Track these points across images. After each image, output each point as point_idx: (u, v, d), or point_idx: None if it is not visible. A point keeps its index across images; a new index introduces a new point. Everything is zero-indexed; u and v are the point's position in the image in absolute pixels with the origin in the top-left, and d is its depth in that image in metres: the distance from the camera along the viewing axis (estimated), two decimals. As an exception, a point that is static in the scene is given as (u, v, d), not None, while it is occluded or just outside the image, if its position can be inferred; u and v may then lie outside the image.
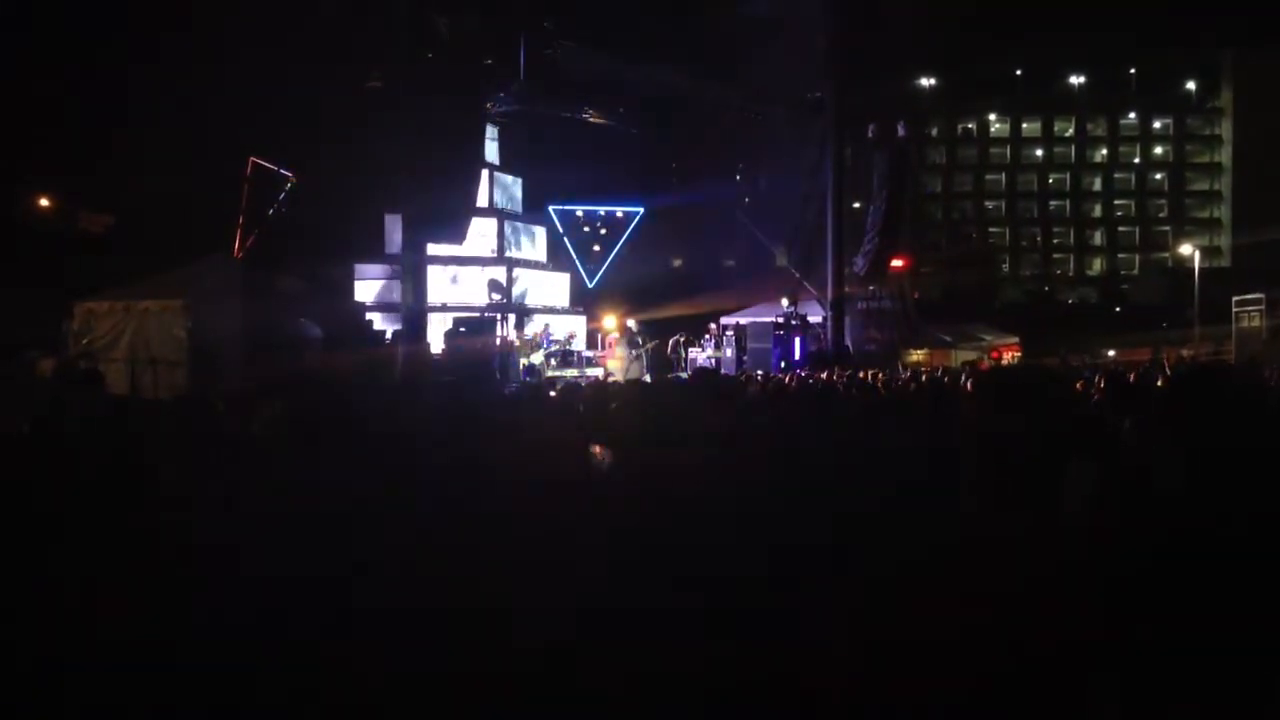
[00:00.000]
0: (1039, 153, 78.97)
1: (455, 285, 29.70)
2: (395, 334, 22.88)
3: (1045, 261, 78.07)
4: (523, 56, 28.49)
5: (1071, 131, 78.65)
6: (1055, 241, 79.01)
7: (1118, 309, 60.23)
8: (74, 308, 19.74)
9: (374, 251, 29.16)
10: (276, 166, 25.77)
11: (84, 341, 19.08)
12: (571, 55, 29.99)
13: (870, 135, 33.48)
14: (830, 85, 31.40)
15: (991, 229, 78.22)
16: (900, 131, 59.12)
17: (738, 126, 34.90)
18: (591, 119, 33.27)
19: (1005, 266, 75.90)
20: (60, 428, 6.25)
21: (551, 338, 27.80)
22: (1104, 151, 78.66)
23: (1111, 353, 36.81)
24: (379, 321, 25.00)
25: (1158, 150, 78.26)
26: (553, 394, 10.53)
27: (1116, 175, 78.50)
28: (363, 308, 25.86)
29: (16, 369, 19.05)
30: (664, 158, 35.92)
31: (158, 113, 26.31)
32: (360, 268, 29.23)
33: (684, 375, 25.32)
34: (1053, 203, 79.25)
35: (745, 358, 28.81)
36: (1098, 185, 79.21)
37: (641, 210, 35.41)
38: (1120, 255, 77.90)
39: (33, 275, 23.90)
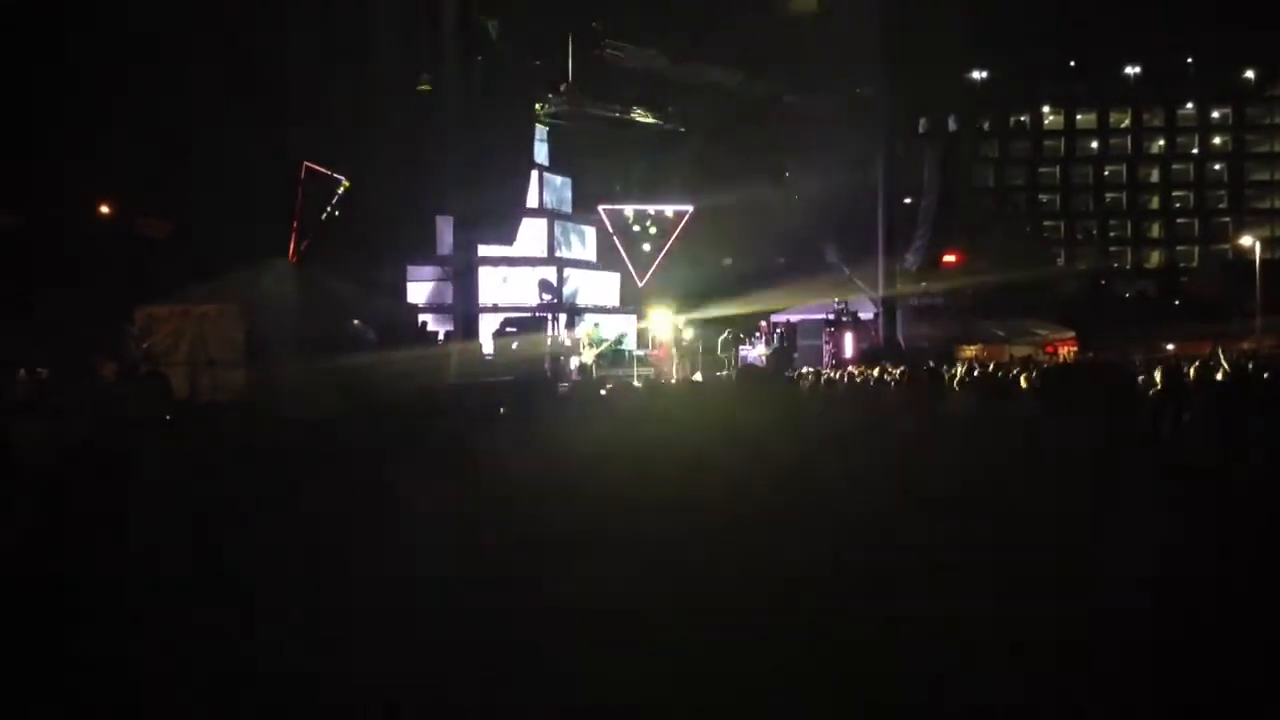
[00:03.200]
0: (1094, 145, 77.76)
1: (506, 285, 29.88)
2: (447, 334, 23.09)
3: (1102, 255, 76.88)
4: (571, 57, 28.61)
5: (1128, 123, 77.40)
6: (1112, 234, 77.80)
7: (1176, 302, 59.17)
8: (135, 312, 20.13)
9: (426, 253, 29.43)
10: (330, 171, 26.07)
11: (145, 345, 19.45)
12: (620, 55, 30.08)
13: (921, 130, 33.08)
14: (881, 81, 31.21)
15: (1046, 222, 77.11)
16: (951, 126, 58.62)
17: (787, 123, 34.77)
18: (640, 118, 33.32)
19: (1061, 260, 74.84)
20: (124, 428, 6.42)
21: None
22: (1161, 142, 77.29)
23: (1170, 346, 36.21)
24: (432, 323, 25.24)
25: (1216, 140, 76.75)
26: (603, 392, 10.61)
27: (1174, 166, 77.11)
28: (415, 309, 26.11)
29: (81, 373, 19.50)
30: (713, 156, 35.85)
31: (212, 118, 26.72)
32: (413, 269, 29.52)
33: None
34: (1109, 195, 78.03)
35: (796, 355, 28.74)
36: (1155, 177, 77.86)
37: (691, 209, 35.39)
38: (1179, 248, 76.53)
39: (96, 280, 24.41)
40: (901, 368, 19.53)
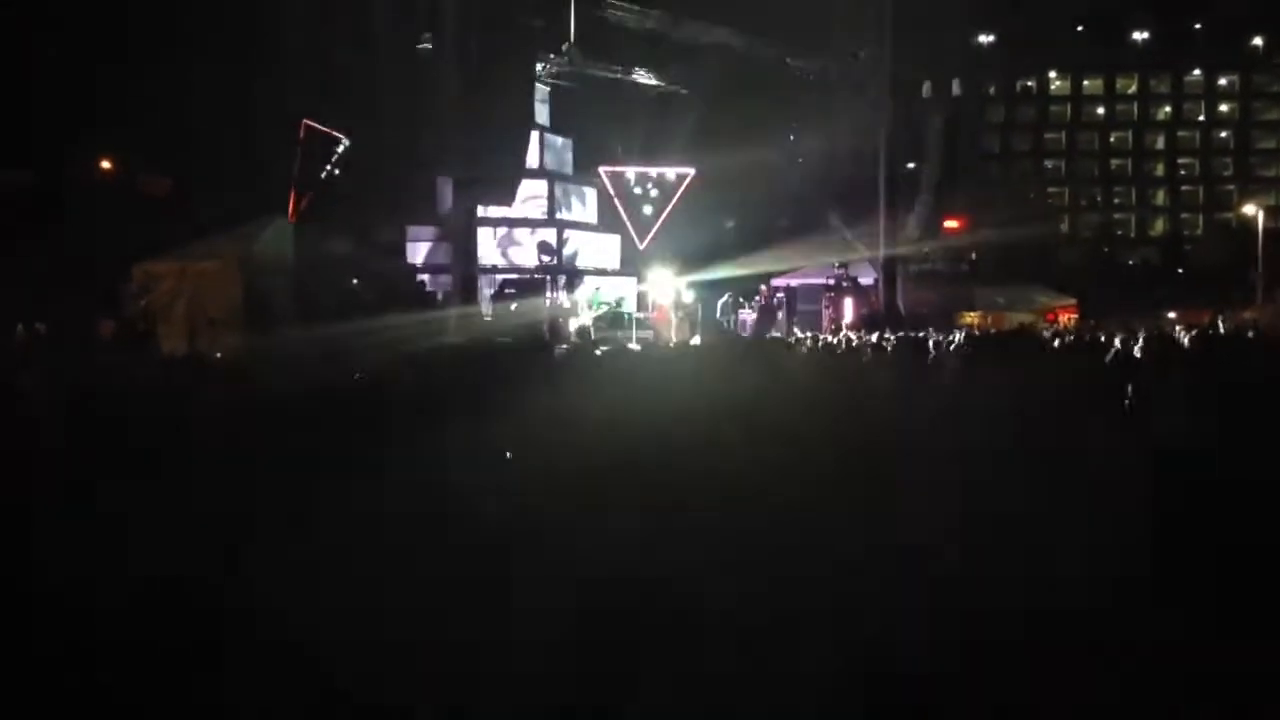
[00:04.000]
0: (1100, 111, 77.33)
1: (506, 247, 29.85)
2: (445, 295, 23.10)
3: (1106, 222, 76.60)
4: (573, 17, 28.40)
5: (1134, 89, 76.89)
6: (1116, 201, 77.52)
7: (1180, 270, 59.04)
8: (134, 269, 20.17)
9: (425, 213, 29.36)
10: (329, 129, 25.99)
11: (143, 303, 19.50)
12: (623, 16, 29.88)
13: (925, 94, 32.90)
14: (884, 43, 30.98)
15: (1051, 188, 76.74)
16: (955, 90, 58.26)
17: (791, 86, 34.57)
18: (642, 80, 33.13)
19: (1065, 227, 74.55)
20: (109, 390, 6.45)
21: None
22: (1168, 109, 76.86)
23: (1172, 315, 36.16)
24: (430, 283, 25.24)
25: (1223, 108, 76.29)
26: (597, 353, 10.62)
27: (1180, 133, 76.69)
28: (414, 269, 26.11)
29: (80, 331, 19.57)
30: (716, 118, 35.65)
31: (213, 77, 26.62)
32: (411, 230, 29.46)
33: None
34: (1114, 161, 77.67)
35: (795, 319, 28.71)
36: (1161, 144, 77.46)
37: (693, 172, 35.22)
38: (1183, 215, 76.25)
39: (95, 237, 24.42)
40: (875, 335, 19.56)
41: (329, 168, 25.39)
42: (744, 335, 27.31)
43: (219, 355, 14.55)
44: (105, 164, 33.18)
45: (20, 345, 17.56)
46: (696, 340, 24.55)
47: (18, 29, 27.11)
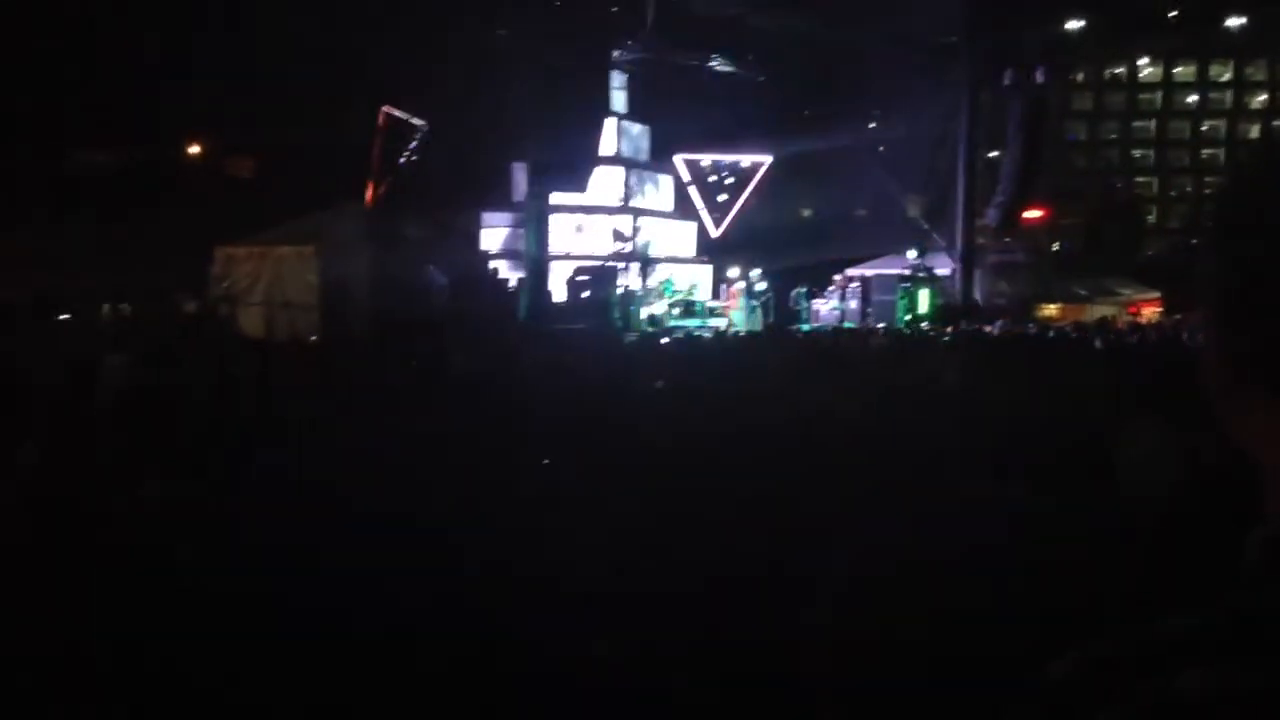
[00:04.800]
0: (1192, 99, 75.18)
1: (580, 234, 29.92)
2: (520, 281, 23.26)
3: (1196, 213, 74.52)
4: (650, 3, 28.32)
5: (1229, 76, 74.62)
6: (1207, 192, 75.33)
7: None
8: (215, 252, 20.63)
9: (500, 200, 29.57)
10: (408, 116, 26.27)
11: (224, 285, 19.95)
12: (699, 2, 29.72)
13: (1007, 81, 32.22)
14: (966, 29, 30.46)
15: (1139, 178, 74.91)
16: (1039, 77, 56.98)
17: (870, 72, 34.12)
18: (719, 66, 32.95)
19: (1152, 218, 72.75)
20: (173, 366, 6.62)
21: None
22: (1263, 97, 74.47)
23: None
24: (504, 270, 25.42)
25: (1321, 96, 73.75)
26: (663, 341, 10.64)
27: (1276, 122, 74.26)
28: (488, 255, 26.32)
29: (164, 310, 20.10)
30: (793, 105, 35.34)
31: (297, 62, 27.06)
32: (487, 216, 29.69)
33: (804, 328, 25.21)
34: (1206, 151, 75.48)
35: (870, 310, 28.34)
36: (1255, 132, 75.10)
37: (769, 159, 35.01)
38: (1277, 207, 73.94)
39: (181, 218, 25.03)
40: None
41: (407, 154, 25.68)
42: (815, 325, 27.09)
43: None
44: (194, 147, 33.96)
45: (106, 325, 18.10)
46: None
47: (109, 10, 27.80)
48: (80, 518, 4.23)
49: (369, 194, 25.41)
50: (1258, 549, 0.71)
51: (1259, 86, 74.73)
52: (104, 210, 26.44)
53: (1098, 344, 11.57)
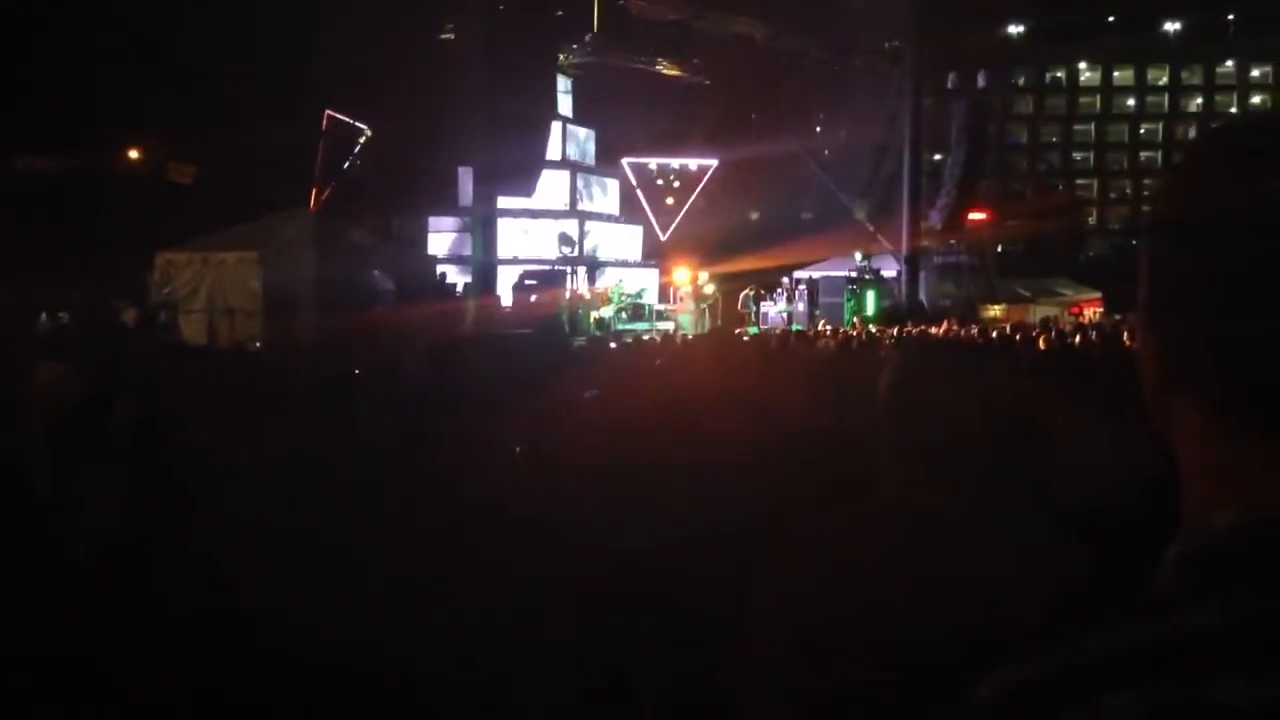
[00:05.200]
0: (1130, 102, 76.59)
1: (527, 238, 29.81)
2: (466, 286, 23.13)
3: (1135, 215, 75.86)
4: (596, 7, 28.33)
5: (1166, 80, 76.09)
6: (1146, 194, 76.73)
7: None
8: (156, 259, 20.30)
9: (446, 204, 29.40)
10: (352, 120, 26.07)
11: (164, 292, 19.63)
12: (644, 6, 29.77)
13: (950, 86, 32.69)
14: (909, 34, 30.78)
15: (1080, 180, 76.18)
16: (981, 82, 57.79)
17: (814, 77, 34.39)
18: (665, 71, 33.03)
19: (1092, 219, 73.99)
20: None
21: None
22: (1199, 101, 76.02)
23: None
24: (451, 274, 25.27)
25: (1255, 99, 75.34)
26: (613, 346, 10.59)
27: (1213, 125, 75.70)
28: (435, 260, 26.15)
29: (104, 318, 19.74)
30: (739, 110, 35.55)
31: (239, 65, 26.77)
32: (433, 220, 29.51)
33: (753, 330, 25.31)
34: (1144, 154, 76.89)
35: (817, 312, 28.56)
36: (1192, 136, 76.58)
37: (715, 163, 35.17)
38: (1214, 209, 75.46)
39: (120, 225, 24.63)
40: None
41: (351, 158, 25.48)
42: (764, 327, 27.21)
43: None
44: (133, 152, 33.45)
45: (44, 334, 17.73)
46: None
47: (43, 16, 27.34)
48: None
49: (313, 199, 25.18)
50: (1173, 566, 0.70)
51: (1195, 90, 76.25)
52: (41, 218, 25.97)
53: (1041, 344, 11.66)
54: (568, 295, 24.29)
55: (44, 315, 20.34)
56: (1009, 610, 1.42)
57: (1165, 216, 0.79)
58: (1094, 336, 13.77)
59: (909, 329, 21.17)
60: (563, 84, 30.63)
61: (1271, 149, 0.73)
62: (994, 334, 16.25)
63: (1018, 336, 14.06)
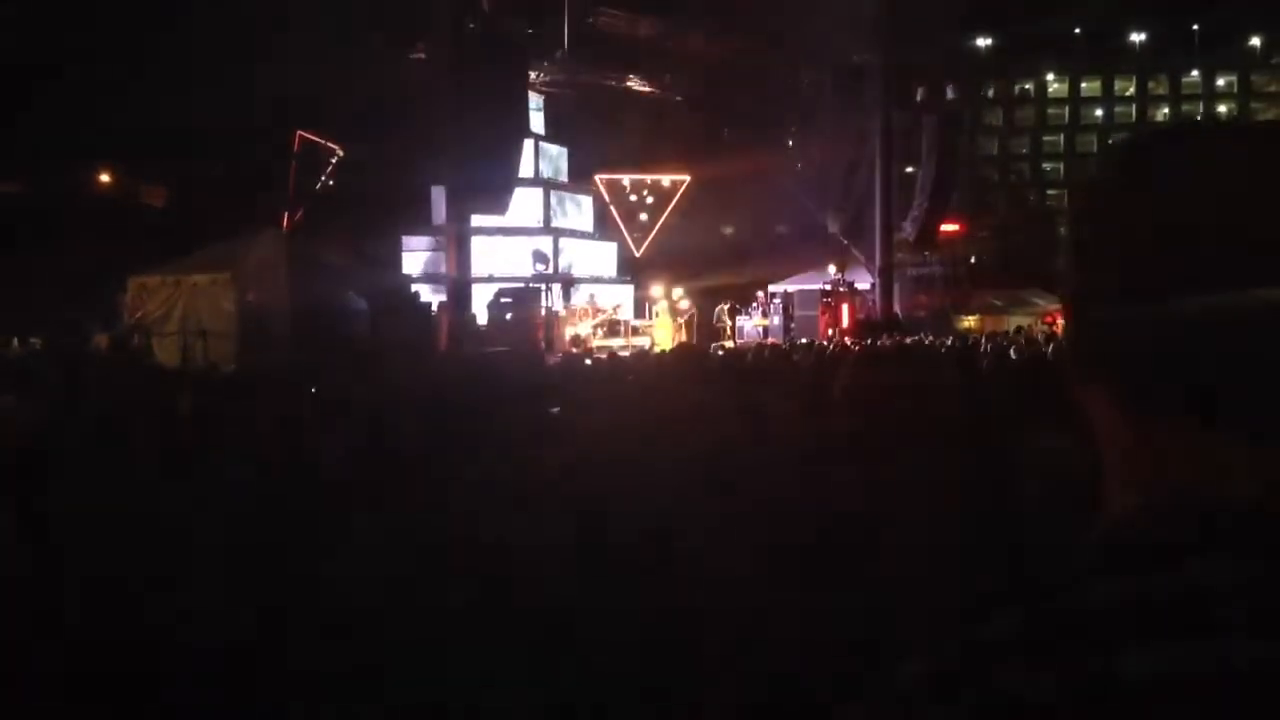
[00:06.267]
0: (1098, 112, 77.41)
1: (500, 256, 29.76)
2: (440, 305, 23.09)
3: (1105, 224, 76.47)
4: (566, 25, 28.40)
5: (1132, 90, 76.96)
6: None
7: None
8: (128, 282, 20.21)
9: (419, 223, 29.35)
10: (324, 140, 26.04)
11: (137, 315, 19.53)
12: (616, 23, 29.89)
13: (919, 99, 32.96)
14: (878, 49, 31.02)
15: (1050, 191, 76.81)
16: (950, 94, 58.27)
17: (786, 93, 34.61)
18: (637, 87, 33.15)
19: (1063, 229, 74.34)
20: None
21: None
22: (1166, 110, 76.88)
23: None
24: (426, 293, 25.21)
25: (1222, 108, 76.28)
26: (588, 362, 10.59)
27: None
28: (409, 279, 26.10)
29: (76, 343, 19.62)
30: (711, 125, 35.74)
31: (208, 85, 26.68)
32: (406, 239, 29.43)
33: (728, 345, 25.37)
34: (1113, 164, 77.66)
35: (793, 325, 28.68)
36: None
37: (688, 178, 35.29)
38: (1183, 216, 76.25)
39: (91, 249, 24.50)
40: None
41: (323, 178, 25.44)
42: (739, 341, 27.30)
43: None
44: (103, 176, 33.30)
45: (14, 360, 17.60)
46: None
47: (20, 37, 27.20)
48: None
49: (285, 220, 25.12)
50: (1083, 549, 0.73)
51: (1161, 100, 77.11)
52: (10, 242, 25.80)
53: (1012, 353, 11.77)
54: (543, 312, 24.28)
55: (15, 341, 20.23)
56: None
57: (1082, 218, 0.84)
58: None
59: (884, 339, 21.25)
60: (535, 101, 30.66)
61: (1161, 158, 0.78)
62: (957, 343, 16.39)
63: (988, 345, 14.18)
